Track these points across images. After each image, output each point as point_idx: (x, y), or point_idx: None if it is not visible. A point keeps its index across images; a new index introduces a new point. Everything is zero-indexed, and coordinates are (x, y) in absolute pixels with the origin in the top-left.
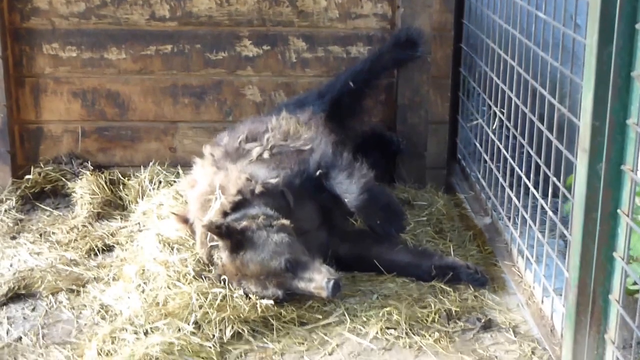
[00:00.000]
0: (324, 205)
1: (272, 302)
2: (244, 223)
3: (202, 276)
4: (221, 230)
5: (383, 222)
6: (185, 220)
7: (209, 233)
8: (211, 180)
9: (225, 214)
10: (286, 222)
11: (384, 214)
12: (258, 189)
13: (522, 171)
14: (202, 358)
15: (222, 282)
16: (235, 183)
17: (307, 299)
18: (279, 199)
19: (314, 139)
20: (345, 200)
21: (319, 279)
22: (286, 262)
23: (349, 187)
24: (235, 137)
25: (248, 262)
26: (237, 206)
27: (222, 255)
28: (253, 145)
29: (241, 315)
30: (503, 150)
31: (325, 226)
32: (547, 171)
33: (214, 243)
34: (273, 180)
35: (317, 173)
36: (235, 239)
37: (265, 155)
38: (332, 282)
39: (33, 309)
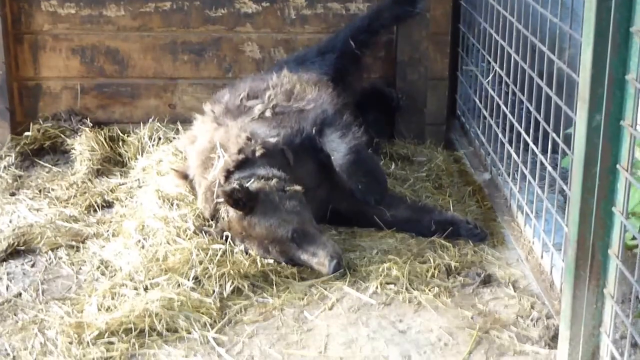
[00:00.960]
0: (324, 164)
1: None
2: (256, 184)
3: (203, 231)
4: (239, 203)
5: (364, 188)
6: (185, 176)
7: (216, 189)
8: (211, 137)
9: (229, 172)
10: (298, 188)
11: (366, 180)
12: (259, 150)
13: (521, 127)
14: (202, 313)
15: (224, 238)
16: (235, 141)
17: None
18: (279, 157)
19: (317, 99)
20: (332, 157)
21: (322, 254)
22: (293, 232)
23: (338, 146)
24: (237, 94)
25: (255, 225)
26: (240, 164)
27: (230, 212)
28: (254, 102)
29: (241, 270)
30: (502, 106)
31: (326, 184)
32: (546, 127)
33: (221, 199)
34: (273, 139)
35: (313, 130)
36: (249, 206)
37: (268, 113)
38: (334, 261)
39: (32, 265)
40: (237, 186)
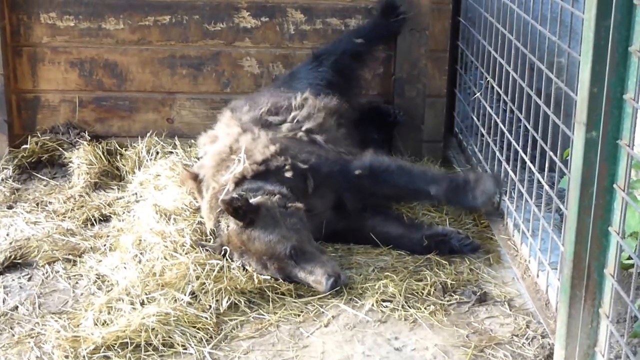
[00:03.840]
0: (341, 195)
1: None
2: (259, 198)
3: (200, 246)
4: (238, 212)
5: (478, 192)
6: (194, 177)
7: (221, 197)
8: (234, 141)
9: (241, 180)
10: (300, 205)
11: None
12: (288, 171)
13: (518, 145)
14: (199, 329)
15: (223, 252)
16: (262, 151)
17: None
18: (299, 180)
19: (358, 154)
20: (430, 193)
21: (319, 272)
22: (291, 249)
23: (427, 182)
24: (257, 107)
25: (254, 239)
26: (257, 175)
27: (230, 225)
28: (276, 118)
29: (238, 286)
30: (500, 124)
31: (334, 209)
32: (543, 145)
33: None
34: (303, 165)
35: (357, 172)
36: (249, 218)
37: (304, 137)
38: (331, 279)
39: (29, 278)
40: (237, 195)
